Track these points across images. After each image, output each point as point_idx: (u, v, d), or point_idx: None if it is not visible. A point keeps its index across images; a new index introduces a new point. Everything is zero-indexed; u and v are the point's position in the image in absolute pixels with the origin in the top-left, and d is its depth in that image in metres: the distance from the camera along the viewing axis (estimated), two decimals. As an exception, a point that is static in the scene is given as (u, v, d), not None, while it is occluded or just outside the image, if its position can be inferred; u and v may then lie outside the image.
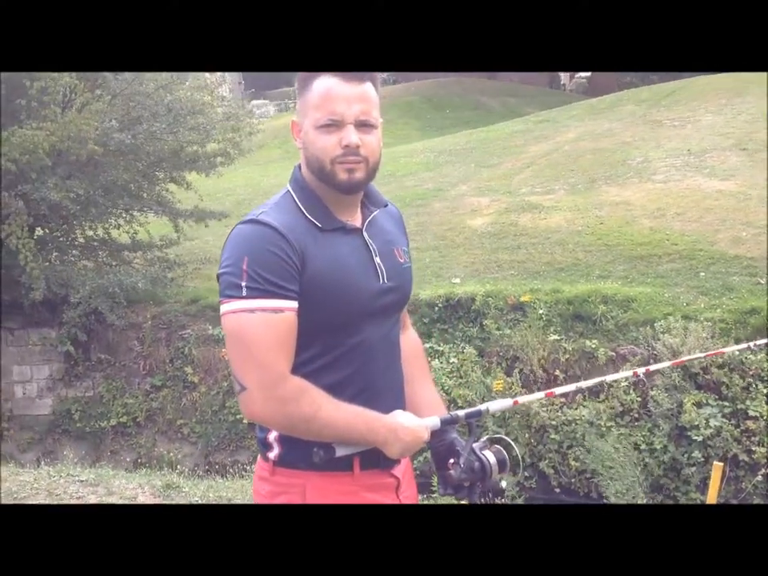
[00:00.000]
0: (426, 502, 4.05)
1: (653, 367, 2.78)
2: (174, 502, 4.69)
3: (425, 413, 1.89)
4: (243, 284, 1.72)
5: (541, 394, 2.04)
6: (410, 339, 2.07)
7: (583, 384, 1.99)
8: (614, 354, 7.05)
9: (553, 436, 6.73)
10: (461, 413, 1.89)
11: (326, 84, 1.76)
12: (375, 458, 1.82)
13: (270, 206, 1.84)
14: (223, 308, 1.75)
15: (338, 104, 1.76)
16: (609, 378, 2.04)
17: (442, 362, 7.44)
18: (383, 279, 1.88)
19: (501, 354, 7.47)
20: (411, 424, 1.80)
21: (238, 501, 4.66)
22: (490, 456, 1.84)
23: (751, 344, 3.64)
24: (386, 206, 2.00)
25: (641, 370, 2.41)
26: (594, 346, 7.11)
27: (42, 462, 6.77)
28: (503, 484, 1.85)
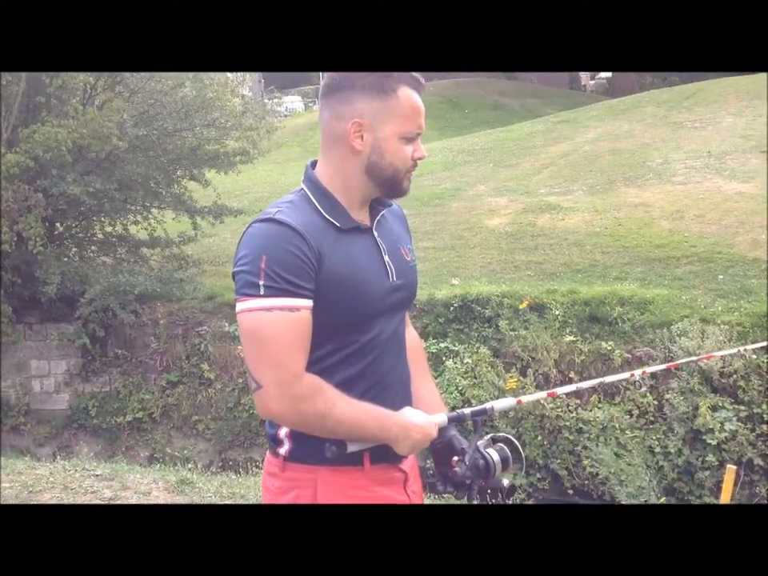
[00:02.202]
0: (434, 501, 4.06)
1: (649, 369, 2.77)
2: (187, 498, 4.72)
3: (427, 410, 1.91)
4: (261, 283, 1.73)
5: (543, 394, 2.05)
6: (410, 337, 2.09)
7: (583, 384, 1.99)
8: (629, 355, 7.01)
9: (567, 437, 6.71)
10: (467, 411, 1.92)
11: (412, 95, 1.81)
12: (384, 453, 1.84)
13: (285, 204, 1.85)
14: (240, 306, 1.76)
15: (422, 117, 1.84)
16: (607, 379, 2.04)
17: (456, 362, 7.43)
18: (392, 277, 1.90)
19: (516, 354, 7.46)
20: (421, 421, 1.83)
21: (251, 497, 4.68)
22: (493, 454, 1.85)
23: (741, 348, 3.62)
24: (391, 205, 2.02)
25: (637, 372, 2.41)
26: (609, 347, 7.08)
27: (58, 456, 6.82)
28: (505, 482, 1.86)
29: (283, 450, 1.86)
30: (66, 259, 9.66)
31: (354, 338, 1.83)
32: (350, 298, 1.80)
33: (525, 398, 2.02)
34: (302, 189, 1.90)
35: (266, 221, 1.79)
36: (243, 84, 11.66)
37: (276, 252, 1.74)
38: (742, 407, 6.39)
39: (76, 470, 5.20)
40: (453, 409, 1.99)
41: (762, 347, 6.13)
